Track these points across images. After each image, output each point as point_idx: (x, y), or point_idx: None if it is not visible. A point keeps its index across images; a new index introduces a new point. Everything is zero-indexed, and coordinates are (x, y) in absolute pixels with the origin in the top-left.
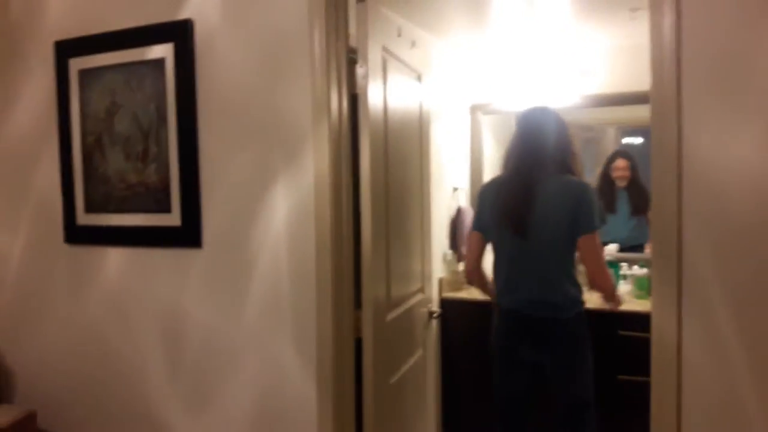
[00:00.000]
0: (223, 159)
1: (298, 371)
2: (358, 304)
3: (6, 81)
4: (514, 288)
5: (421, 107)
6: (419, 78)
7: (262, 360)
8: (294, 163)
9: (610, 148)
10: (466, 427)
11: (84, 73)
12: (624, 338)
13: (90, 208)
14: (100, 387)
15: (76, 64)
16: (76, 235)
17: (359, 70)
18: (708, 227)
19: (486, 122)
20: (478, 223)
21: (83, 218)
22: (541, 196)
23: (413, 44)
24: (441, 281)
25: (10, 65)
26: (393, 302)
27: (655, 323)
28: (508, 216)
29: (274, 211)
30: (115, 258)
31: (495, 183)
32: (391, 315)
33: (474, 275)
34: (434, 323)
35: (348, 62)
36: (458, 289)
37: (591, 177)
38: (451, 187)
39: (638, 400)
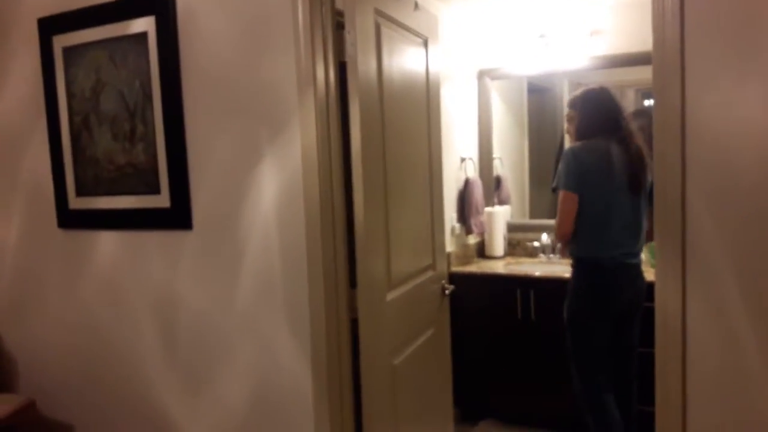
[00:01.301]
0: (209, 136)
1: (293, 354)
2: (355, 283)
3: None
4: (618, 242)
5: (427, 74)
6: (425, 43)
7: (256, 343)
8: (281, 138)
9: (630, 110)
10: (478, 403)
11: (68, 51)
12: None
13: (81, 192)
14: (97, 371)
15: (60, 42)
16: (68, 219)
17: (347, 37)
18: (713, 193)
19: (495, 88)
20: (577, 185)
21: (74, 202)
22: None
23: (416, 6)
24: (449, 255)
25: None
26: (395, 280)
27: (658, 295)
28: (630, 176)
29: (263, 189)
30: (107, 242)
31: (592, 149)
32: (394, 293)
33: (569, 236)
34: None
35: (336, 27)
36: (467, 263)
37: None
38: (458, 158)
39: (651, 372)
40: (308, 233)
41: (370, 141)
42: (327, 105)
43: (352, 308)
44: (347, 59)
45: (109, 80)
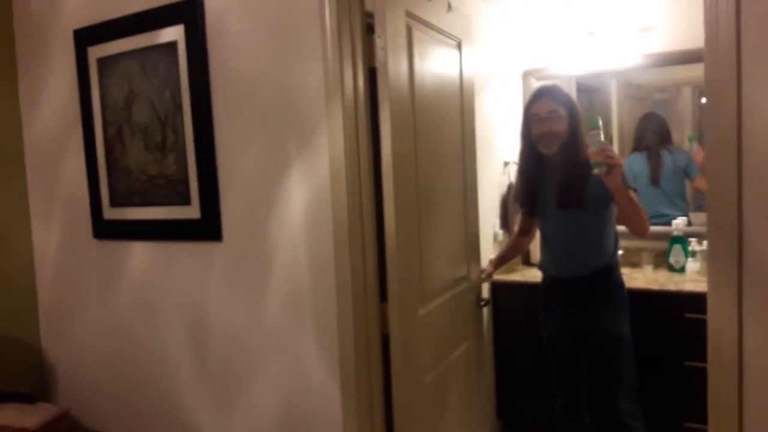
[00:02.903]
0: (238, 146)
1: (322, 371)
2: (385, 297)
3: (33, 75)
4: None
5: (461, 77)
6: (459, 45)
7: (285, 359)
8: (308, 147)
9: (687, 110)
10: (524, 417)
11: (102, 62)
12: (690, 321)
13: (115, 202)
14: (131, 383)
15: (95, 53)
16: (103, 229)
17: (377, 41)
18: None
19: None
20: None
21: (109, 212)
22: None
23: (449, 8)
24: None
25: (35, 58)
26: (428, 294)
27: (712, 321)
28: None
29: (291, 200)
30: (139, 253)
31: None
32: (426, 307)
33: None
34: (484, 311)
35: (366, 30)
36: (511, 270)
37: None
38: (502, 162)
39: (706, 387)
40: (336, 246)
41: (402, 149)
42: (356, 112)
43: (383, 323)
44: (377, 64)
45: (140, 91)
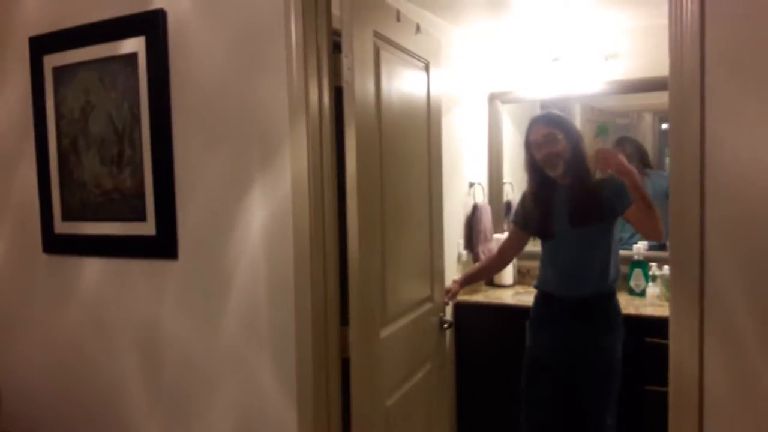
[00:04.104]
0: (198, 162)
1: (279, 395)
2: (347, 320)
3: None
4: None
5: (429, 98)
6: (426, 67)
7: (241, 381)
8: (271, 166)
9: (648, 136)
10: None
11: (58, 71)
12: (651, 345)
13: (67, 216)
14: (79, 405)
15: (51, 62)
16: (53, 244)
17: (344, 60)
18: (735, 234)
19: (506, 112)
20: None
21: (60, 226)
22: None
23: (418, 30)
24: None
25: None
26: (390, 316)
27: (673, 338)
28: None
29: (252, 218)
30: (92, 269)
31: None
32: (388, 330)
33: None
34: (448, 333)
35: (333, 49)
36: (474, 291)
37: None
38: (467, 183)
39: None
40: (296, 267)
41: (367, 169)
42: (320, 132)
43: (344, 347)
44: (344, 84)
45: (98, 102)
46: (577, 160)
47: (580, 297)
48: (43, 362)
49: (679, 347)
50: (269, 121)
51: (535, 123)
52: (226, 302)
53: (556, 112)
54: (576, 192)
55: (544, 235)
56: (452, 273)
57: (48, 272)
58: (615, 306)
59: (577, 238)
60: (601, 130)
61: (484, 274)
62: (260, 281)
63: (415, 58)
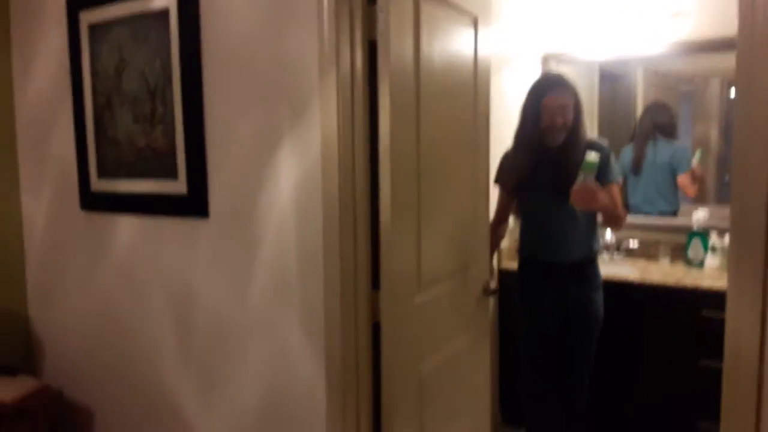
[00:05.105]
0: (228, 119)
1: (308, 358)
2: (379, 284)
3: (24, 41)
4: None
5: (476, 57)
6: (474, 22)
7: (270, 343)
8: (301, 123)
9: (713, 104)
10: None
11: (93, 28)
12: (708, 319)
13: (102, 173)
14: (116, 359)
15: (86, 18)
16: (90, 201)
17: (379, 14)
18: None
19: (562, 73)
20: None
21: (96, 184)
22: None
23: None
24: (501, 252)
25: (26, 23)
26: (426, 281)
27: (730, 319)
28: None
29: (282, 178)
30: (126, 226)
31: None
32: (423, 295)
33: None
34: (491, 302)
35: (367, 1)
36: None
37: (686, 138)
38: None
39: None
40: (325, 229)
41: (402, 130)
42: (352, 89)
43: (375, 311)
44: (378, 38)
45: (131, 59)
46: (575, 131)
47: (564, 261)
48: (82, 313)
49: (737, 324)
50: (301, 78)
51: (552, 88)
52: (256, 263)
53: (566, 77)
54: (567, 161)
55: (521, 197)
56: None
57: (85, 228)
58: (596, 268)
59: (563, 205)
60: (587, 166)
61: (496, 243)
62: (290, 242)
63: (461, 13)
